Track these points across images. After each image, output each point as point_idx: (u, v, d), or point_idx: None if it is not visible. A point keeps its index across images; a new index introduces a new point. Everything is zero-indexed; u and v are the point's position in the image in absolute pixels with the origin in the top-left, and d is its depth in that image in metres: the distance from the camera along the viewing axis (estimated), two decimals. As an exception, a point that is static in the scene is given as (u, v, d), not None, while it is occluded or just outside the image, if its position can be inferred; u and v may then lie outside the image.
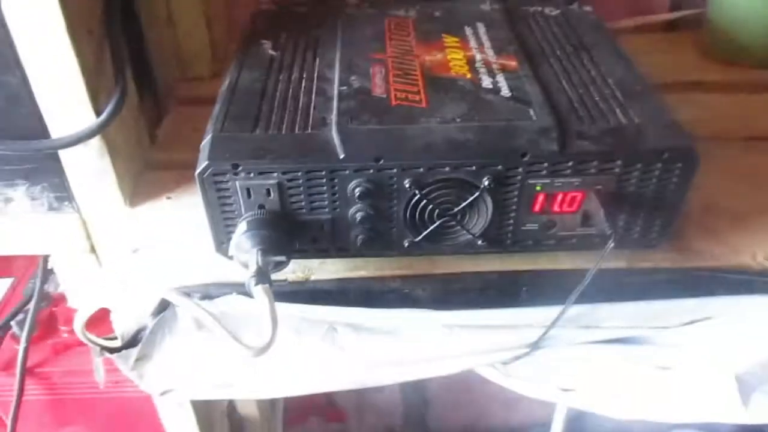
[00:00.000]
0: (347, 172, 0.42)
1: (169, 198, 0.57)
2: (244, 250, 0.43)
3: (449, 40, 0.56)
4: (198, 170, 0.42)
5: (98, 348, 0.52)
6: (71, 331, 0.74)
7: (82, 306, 0.50)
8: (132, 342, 0.52)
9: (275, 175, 0.42)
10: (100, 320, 0.63)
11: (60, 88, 0.47)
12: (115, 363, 0.54)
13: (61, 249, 0.57)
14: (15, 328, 0.73)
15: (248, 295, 0.47)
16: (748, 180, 0.58)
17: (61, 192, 0.54)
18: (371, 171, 0.42)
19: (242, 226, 0.43)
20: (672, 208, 0.46)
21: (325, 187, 0.43)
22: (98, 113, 0.49)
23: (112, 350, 0.52)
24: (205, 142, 0.44)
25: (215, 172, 0.42)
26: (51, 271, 0.77)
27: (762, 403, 0.48)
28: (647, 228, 0.47)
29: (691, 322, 0.51)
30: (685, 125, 0.46)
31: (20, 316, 0.73)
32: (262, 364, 0.52)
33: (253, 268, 0.41)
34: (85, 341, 0.51)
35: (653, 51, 0.80)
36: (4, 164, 0.52)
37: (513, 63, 0.52)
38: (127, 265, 0.52)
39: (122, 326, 0.53)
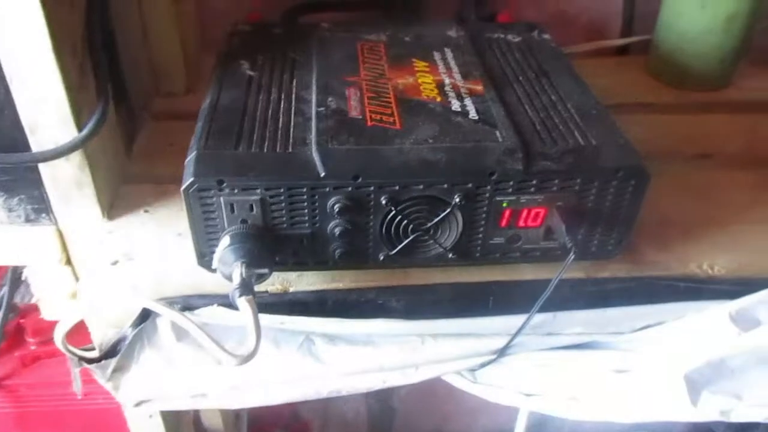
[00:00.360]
0: (327, 189, 0.45)
1: (146, 211, 0.59)
2: (228, 263, 0.45)
3: (419, 64, 0.59)
4: (184, 186, 0.44)
5: (76, 359, 0.53)
6: (39, 343, 0.75)
7: (62, 317, 0.51)
8: (110, 353, 0.53)
9: (258, 191, 0.44)
10: (74, 331, 0.64)
11: (44, 102, 0.48)
12: (91, 374, 0.55)
13: (37, 261, 0.58)
14: (-18, 342, 0.73)
15: (229, 306, 0.49)
16: (696, 194, 0.63)
17: (39, 204, 0.55)
18: (350, 188, 0.45)
19: (226, 240, 0.45)
20: (627, 222, 0.50)
21: (305, 203, 0.45)
22: (80, 128, 0.51)
23: (90, 361, 0.53)
24: (190, 159, 0.46)
25: (200, 188, 0.44)
26: (19, 282, 0.77)
27: (710, 402, 0.52)
28: (604, 240, 0.51)
29: (645, 327, 0.55)
30: (637, 144, 0.50)
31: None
32: (239, 374, 0.53)
33: (237, 280, 0.43)
34: (64, 352, 0.52)
35: (607, 74, 0.85)
36: (-19, 177, 0.52)
37: (479, 87, 0.55)
38: (106, 277, 0.53)
39: (101, 337, 0.54)
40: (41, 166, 0.52)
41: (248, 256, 0.44)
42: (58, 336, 0.50)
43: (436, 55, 0.60)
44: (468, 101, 0.53)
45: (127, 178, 0.62)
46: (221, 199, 0.44)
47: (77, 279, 0.58)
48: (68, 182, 0.54)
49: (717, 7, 0.76)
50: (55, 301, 0.61)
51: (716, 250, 0.56)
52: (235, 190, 0.44)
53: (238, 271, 0.43)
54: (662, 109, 0.79)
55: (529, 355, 0.56)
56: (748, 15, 0.77)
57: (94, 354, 0.54)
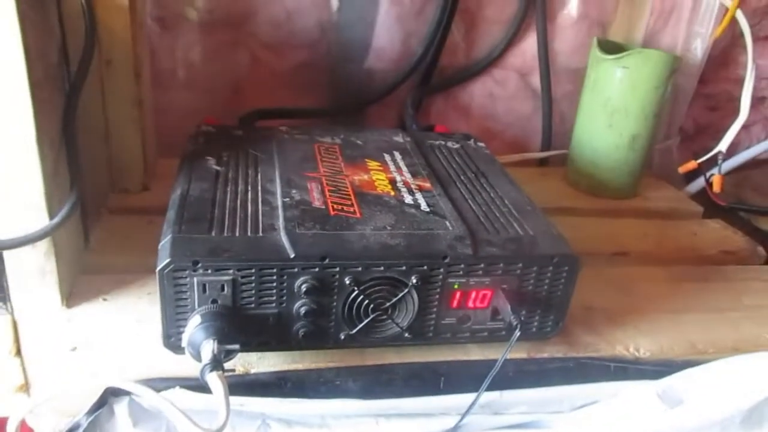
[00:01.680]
0: (296, 269, 0.48)
1: (105, 299, 0.59)
2: (198, 341, 0.46)
3: (372, 164, 0.65)
4: (159, 266, 0.46)
5: (25, 451, 0.52)
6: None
7: (9, 412, 0.50)
8: (62, 443, 0.52)
9: (231, 271, 0.47)
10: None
11: (19, 190, 0.50)
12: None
13: (-15, 351, 0.57)
14: None
15: (190, 388, 0.50)
16: (616, 286, 0.70)
17: (-2, 292, 0.55)
18: (317, 269, 0.49)
19: (196, 319, 0.47)
20: (562, 305, 0.56)
21: (274, 284, 0.49)
22: (51, 216, 0.53)
23: (41, 452, 0.51)
24: (165, 242, 0.48)
25: (176, 268, 0.46)
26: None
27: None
28: (543, 322, 0.56)
29: (582, 406, 0.59)
30: (562, 240, 0.57)
31: None
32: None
33: (208, 356, 0.45)
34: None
35: (530, 181, 0.94)
36: (-58, 263, 0.53)
37: (427, 184, 0.62)
38: (66, 363, 0.52)
39: (52, 427, 0.53)
40: (6, 254, 0.53)
41: (219, 334, 0.46)
42: (13, 425, 0.49)
43: (387, 157, 0.67)
44: (419, 195, 0.59)
45: (85, 269, 0.63)
46: (195, 279, 0.47)
47: (25, 371, 0.57)
48: (31, 270, 0.54)
49: (622, 128, 0.88)
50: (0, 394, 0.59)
51: (639, 335, 0.63)
52: (209, 271, 0.47)
53: (209, 348, 0.45)
54: (580, 213, 0.89)
55: (478, 437, 0.59)
56: (649, 135, 0.90)
57: (43, 446, 0.53)
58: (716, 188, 0.89)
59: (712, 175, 0.91)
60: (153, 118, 0.82)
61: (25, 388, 0.57)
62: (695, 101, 1.05)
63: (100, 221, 0.71)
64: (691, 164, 0.91)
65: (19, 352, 0.57)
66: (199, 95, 0.89)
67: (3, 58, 0.46)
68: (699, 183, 0.98)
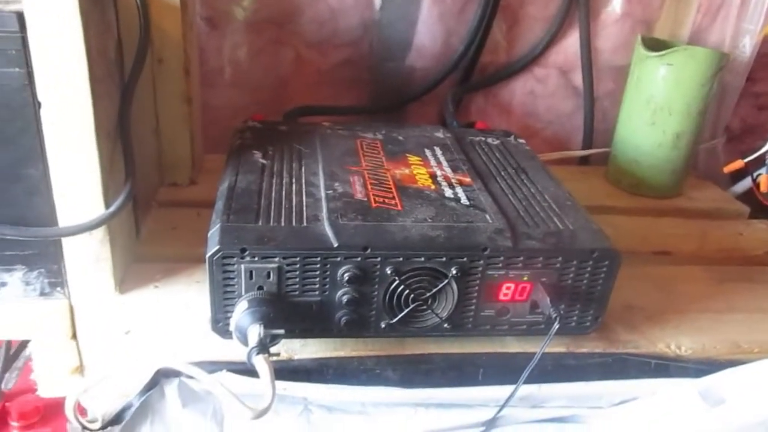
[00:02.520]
0: (339, 258, 0.50)
1: (156, 286, 0.62)
2: (244, 326, 0.48)
3: (413, 159, 0.66)
4: (209, 253, 0.48)
5: (80, 428, 0.54)
6: (23, 427, 0.74)
7: (64, 393, 0.53)
8: (114, 421, 0.54)
9: (277, 259, 0.49)
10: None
11: (78, 181, 0.53)
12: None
13: (45, 335, 0.60)
14: (-35, 424, 0.72)
15: (236, 372, 0.52)
16: (657, 286, 0.70)
17: (56, 278, 0.58)
18: (359, 259, 0.50)
19: (243, 305, 0.49)
20: (601, 300, 0.56)
21: (318, 272, 0.50)
22: (107, 206, 0.55)
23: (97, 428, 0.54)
24: (214, 231, 0.50)
25: (225, 255, 0.48)
26: (10, 365, 0.77)
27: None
28: (582, 317, 0.57)
29: (621, 402, 0.59)
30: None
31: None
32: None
33: (254, 340, 0.47)
34: (72, 420, 0.53)
35: (570, 180, 0.93)
36: (6, 249, 0.56)
37: (467, 179, 0.62)
38: (120, 345, 0.55)
39: (105, 407, 0.55)
40: (65, 241, 0.56)
41: (265, 319, 0.48)
42: (70, 403, 0.52)
43: (427, 152, 0.68)
44: (459, 189, 0.60)
45: (136, 258, 0.66)
46: (242, 266, 0.49)
47: (80, 354, 0.60)
48: (88, 257, 0.57)
49: (666, 126, 0.87)
50: (55, 376, 0.62)
51: (680, 334, 0.62)
52: (256, 258, 0.49)
53: (256, 332, 0.47)
54: (621, 212, 0.88)
55: (514, 428, 0.60)
56: (693, 134, 0.89)
57: (96, 425, 0.56)
58: (764, 188, 0.87)
59: (759, 174, 0.89)
60: (201, 115, 0.85)
61: (80, 370, 0.60)
62: (743, 100, 1.02)
63: (150, 213, 0.74)
64: (738, 163, 0.90)
65: (75, 336, 0.60)
66: (245, 92, 0.92)
67: (67, 54, 0.48)
68: (746, 183, 0.96)
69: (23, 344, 0.75)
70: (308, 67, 0.92)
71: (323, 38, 0.90)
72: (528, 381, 0.54)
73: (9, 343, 0.74)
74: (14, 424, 0.74)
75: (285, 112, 0.86)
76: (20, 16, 0.47)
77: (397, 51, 0.93)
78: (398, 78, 0.94)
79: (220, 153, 0.83)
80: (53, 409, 0.76)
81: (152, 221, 0.73)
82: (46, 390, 0.62)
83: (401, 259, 0.50)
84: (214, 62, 0.89)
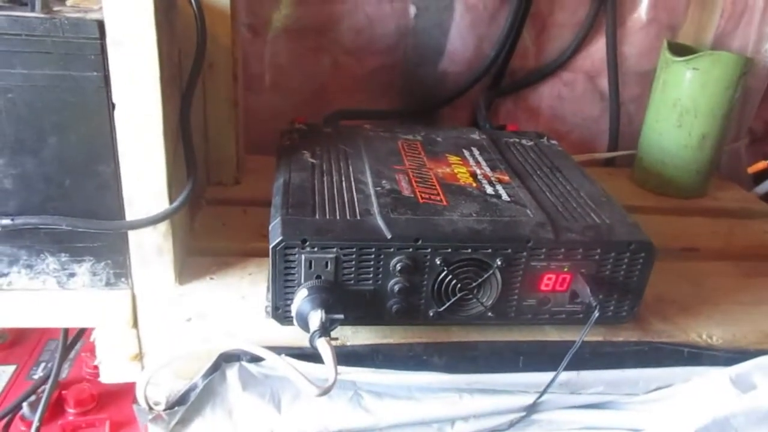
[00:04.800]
0: (392, 249, 0.53)
1: (212, 278, 0.66)
2: (305, 312, 0.52)
3: (452, 158, 0.69)
4: (273, 244, 0.52)
5: (146, 408, 0.58)
6: (79, 414, 0.78)
7: (145, 369, 0.56)
8: (179, 402, 0.58)
9: (335, 250, 0.53)
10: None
11: (146, 177, 0.57)
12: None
13: (108, 323, 0.63)
14: (26, 410, 0.76)
15: (293, 356, 0.56)
16: (688, 279, 0.72)
17: (121, 269, 0.61)
18: (411, 250, 0.53)
19: (303, 292, 0.52)
20: (637, 290, 0.59)
21: (372, 262, 0.54)
22: (170, 200, 0.59)
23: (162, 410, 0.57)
24: (275, 223, 0.54)
25: (287, 245, 0.52)
26: (68, 354, 0.81)
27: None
28: (619, 306, 0.59)
29: (656, 389, 0.62)
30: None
31: (31, 398, 0.76)
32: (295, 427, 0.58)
33: (316, 324, 0.50)
34: (141, 401, 0.57)
35: (597, 180, 0.97)
36: (77, 241, 0.59)
37: (506, 177, 0.66)
38: (182, 332, 0.59)
39: (168, 390, 0.59)
40: (131, 233, 0.60)
41: (325, 305, 0.51)
42: (141, 385, 0.55)
43: (466, 152, 0.71)
44: (499, 187, 0.63)
45: (191, 252, 0.69)
46: (302, 256, 0.52)
47: (140, 342, 0.64)
48: (151, 249, 0.61)
49: (692, 127, 0.90)
50: (117, 363, 0.66)
51: (711, 324, 0.65)
52: (315, 249, 0.52)
53: (317, 317, 0.50)
54: (648, 211, 0.90)
55: (553, 417, 0.62)
56: (718, 135, 0.91)
57: (161, 407, 0.59)
58: (787, 188, 0.90)
59: (782, 175, 0.92)
60: (244, 118, 0.88)
61: (139, 357, 0.64)
62: (765, 102, 1.05)
63: (200, 210, 0.78)
64: (761, 164, 0.92)
65: (136, 324, 0.63)
66: (284, 97, 0.96)
67: (141, 59, 0.52)
68: (769, 184, 0.99)
69: (79, 334, 0.79)
70: (345, 72, 0.96)
71: (360, 45, 0.94)
72: (568, 368, 0.57)
73: (66, 333, 0.78)
74: (71, 411, 0.78)
75: (325, 115, 0.89)
76: (101, 24, 0.51)
77: (430, 57, 0.96)
78: (431, 82, 0.98)
79: (261, 154, 0.88)
80: (107, 397, 0.80)
81: (203, 218, 0.77)
82: (107, 376, 0.66)
83: (450, 250, 0.54)
84: (255, 67, 0.93)
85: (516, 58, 0.99)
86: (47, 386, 0.75)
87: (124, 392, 0.80)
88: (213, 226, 0.75)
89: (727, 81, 0.87)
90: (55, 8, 0.54)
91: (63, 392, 0.79)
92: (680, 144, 0.92)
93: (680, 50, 0.91)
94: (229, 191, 0.83)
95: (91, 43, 0.52)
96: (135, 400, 0.59)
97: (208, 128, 0.80)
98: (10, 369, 0.84)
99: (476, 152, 0.72)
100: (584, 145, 1.08)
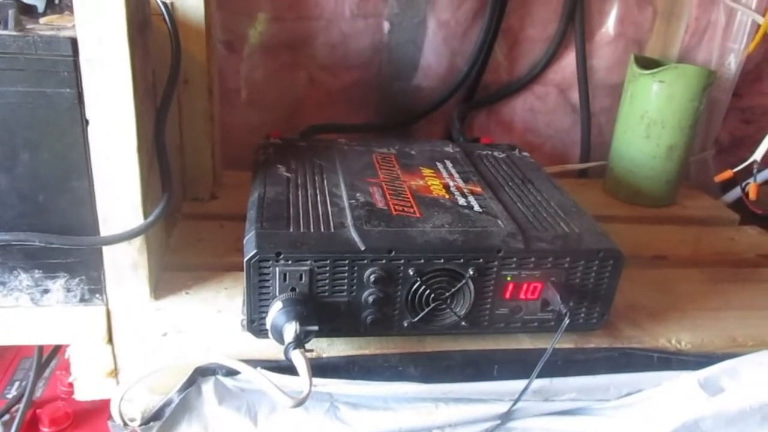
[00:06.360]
0: (365, 261, 0.54)
1: (187, 293, 0.66)
2: (280, 324, 0.52)
3: (426, 171, 0.71)
4: (247, 257, 0.52)
5: (122, 425, 0.57)
6: (54, 433, 0.77)
7: (120, 385, 0.56)
8: (154, 417, 0.58)
9: (309, 262, 0.53)
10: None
11: (120, 193, 0.57)
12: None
13: (82, 339, 0.63)
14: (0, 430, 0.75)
15: (269, 369, 0.56)
16: (657, 286, 0.74)
17: (96, 285, 0.61)
18: (384, 261, 0.54)
19: (278, 305, 0.53)
20: (607, 297, 0.60)
21: (346, 274, 0.54)
22: (145, 216, 0.59)
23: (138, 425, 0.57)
24: (250, 237, 0.55)
25: (261, 258, 0.52)
26: (42, 372, 0.80)
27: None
28: (589, 314, 0.61)
29: (627, 394, 0.63)
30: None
31: (5, 418, 0.76)
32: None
33: (291, 336, 0.51)
34: (116, 417, 0.56)
35: (569, 191, 0.98)
36: (51, 258, 0.59)
37: (478, 188, 0.67)
38: (158, 346, 0.59)
39: (143, 405, 0.59)
40: (105, 249, 0.60)
41: (300, 317, 0.52)
42: (115, 402, 0.55)
43: (439, 165, 0.72)
44: (471, 198, 0.64)
45: (166, 266, 0.70)
46: (277, 269, 0.53)
47: (115, 358, 0.63)
48: (126, 264, 0.61)
49: (659, 138, 0.93)
50: (92, 379, 0.65)
51: (680, 329, 0.66)
52: (289, 261, 0.53)
53: (292, 329, 0.51)
54: (619, 220, 0.92)
55: (528, 425, 0.63)
56: (685, 146, 0.94)
57: (136, 423, 0.59)
58: (752, 196, 0.93)
59: (747, 183, 0.94)
60: (220, 133, 0.89)
61: (115, 373, 0.63)
62: (730, 114, 1.08)
63: (176, 225, 0.78)
64: (727, 173, 0.95)
65: (111, 340, 0.63)
66: (260, 112, 0.97)
67: (115, 77, 0.53)
68: (735, 192, 1.01)
69: (54, 352, 0.78)
70: (320, 87, 0.97)
71: (335, 60, 0.95)
72: (540, 375, 0.58)
73: (41, 351, 0.77)
74: (45, 430, 0.77)
75: (302, 130, 0.90)
76: (74, 42, 0.52)
77: (404, 72, 0.98)
78: (406, 97, 0.99)
79: (236, 169, 0.88)
80: (82, 415, 0.80)
81: (178, 233, 0.77)
82: (82, 393, 0.65)
83: (422, 261, 0.55)
84: (231, 83, 0.94)
85: (489, 72, 1.01)
86: (21, 405, 0.74)
87: (99, 410, 0.80)
88: (189, 241, 0.75)
89: (692, 93, 0.90)
90: (29, 26, 0.54)
91: (37, 411, 0.78)
92: (649, 154, 0.94)
93: (647, 64, 0.93)
94: (206, 206, 0.84)
95: (64, 61, 0.52)
96: (110, 417, 0.59)
97: (184, 144, 0.81)
98: (-19, 387, 0.83)
99: (449, 165, 0.73)
100: (557, 157, 1.10)
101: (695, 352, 0.64)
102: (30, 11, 0.58)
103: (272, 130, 0.87)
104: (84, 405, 0.74)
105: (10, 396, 0.82)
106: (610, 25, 1.01)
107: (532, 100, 1.05)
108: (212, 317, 0.62)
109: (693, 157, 1.06)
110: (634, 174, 0.96)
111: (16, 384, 0.85)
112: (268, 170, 0.68)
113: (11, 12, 0.51)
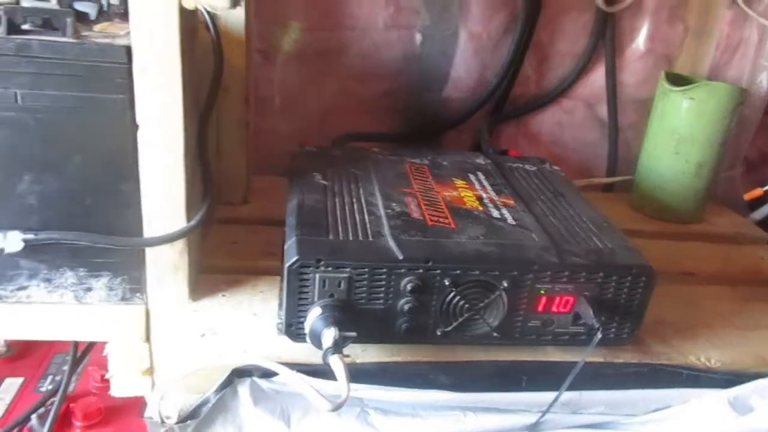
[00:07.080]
0: (403, 270, 0.55)
1: (223, 295, 0.67)
2: (319, 329, 0.53)
3: (459, 182, 0.72)
4: (288, 263, 0.54)
5: (159, 422, 0.59)
6: (85, 427, 0.79)
7: (160, 382, 0.58)
8: (191, 416, 0.59)
9: (348, 269, 0.54)
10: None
11: (166, 196, 0.59)
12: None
13: (122, 337, 0.65)
14: (35, 423, 0.77)
15: (304, 372, 0.57)
16: (686, 303, 0.74)
17: (137, 284, 0.63)
18: (421, 270, 0.55)
19: (317, 310, 0.54)
20: (638, 313, 0.61)
21: (383, 282, 0.55)
22: (188, 219, 0.61)
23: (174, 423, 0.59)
24: (290, 243, 0.56)
25: (302, 265, 0.54)
26: (76, 368, 0.82)
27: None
28: (620, 329, 0.61)
29: (656, 410, 0.63)
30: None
31: (40, 411, 0.78)
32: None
33: (329, 341, 0.52)
34: (155, 416, 0.58)
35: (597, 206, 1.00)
36: (95, 257, 0.61)
37: (511, 201, 0.68)
38: (195, 347, 0.60)
39: (180, 404, 0.60)
40: (148, 250, 0.61)
41: (338, 323, 0.53)
42: (156, 397, 0.57)
43: (471, 177, 0.74)
44: (504, 211, 0.65)
45: (202, 269, 0.71)
46: (317, 275, 0.54)
47: (151, 356, 0.65)
48: (167, 266, 0.62)
49: (689, 155, 0.93)
50: (128, 377, 0.67)
51: (710, 347, 0.67)
52: (329, 268, 0.54)
53: (331, 335, 0.52)
54: (646, 235, 0.92)
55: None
56: (714, 163, 0.94)
57: (172, 421, 0.60)
58: (781, 215, 0.93)
59: (776, 202, 0.94)
60: (252, 139, 0.91)
61: (150, 372, 0.65)
62: (760, 132, 1.08)
63: (211, 229, 0.80)
64: (757, 191, 0.95)
65: (148, 339, 0.65)
66: (290, 119, 0.98)
67: (166, 83, 0.54)
68: (764, 210, 1.01)
69: (88, 348, 0.80)
70: (351, 96, 0.99)
71: (366, 71, 0.97)
72: (569, 388, 0.59)
73: (76, 346, 0.79)
74: (78, 423, 0.79)
75: (334, 138, 0.92)
76: (128, 50, 0.53)
77: (435, 83, 0.99)
78: (435, 107, 1.01)
79: (266, 175, 0.90)
80: (112, 411, 0.81)
81: (213, 236, 0.79)
82: (117, 389, 0.67)
83: (458, 272, 0.56)
84: (265, 91, 0.95)
85: (518, 85, 1.02)
86: (56, 399, 0.76)
87: (129, 406, 0.81)
88: (223, 244, 0.77)
89: (722, 111, 0.90)
90: (84, 33, 0.56)
91: (71, 405, 0.80)
92: (677, 171, 0.94)
93: (677, 80, 0.94)
94: (238, 211, 0.85)
95: (118, 68, 0.54)
96: (142, 414, 0.61)
97: (221, 149, 0.82)
98: (17, 381, 0.85)
99: (481, 176, 0.74)
100: (583, 170, 1.11)
101: (724, 370, 0.65)
102: (83, 19, 0.60)
103: (303, 137, 0.89)
104: (114, 401, 0.76)
105: (43, 390, 0.84)
106: (640, 41, 1.02)
107: (560, 114, 1.06)
108: (248, 320, 0.64)
109: (722, 174, 1.06)
110: (662, 189, 0.96)
111: (50, 378, 0.87)
112: (304, 178, 0.69)
113: (69, 20, 0.53)
